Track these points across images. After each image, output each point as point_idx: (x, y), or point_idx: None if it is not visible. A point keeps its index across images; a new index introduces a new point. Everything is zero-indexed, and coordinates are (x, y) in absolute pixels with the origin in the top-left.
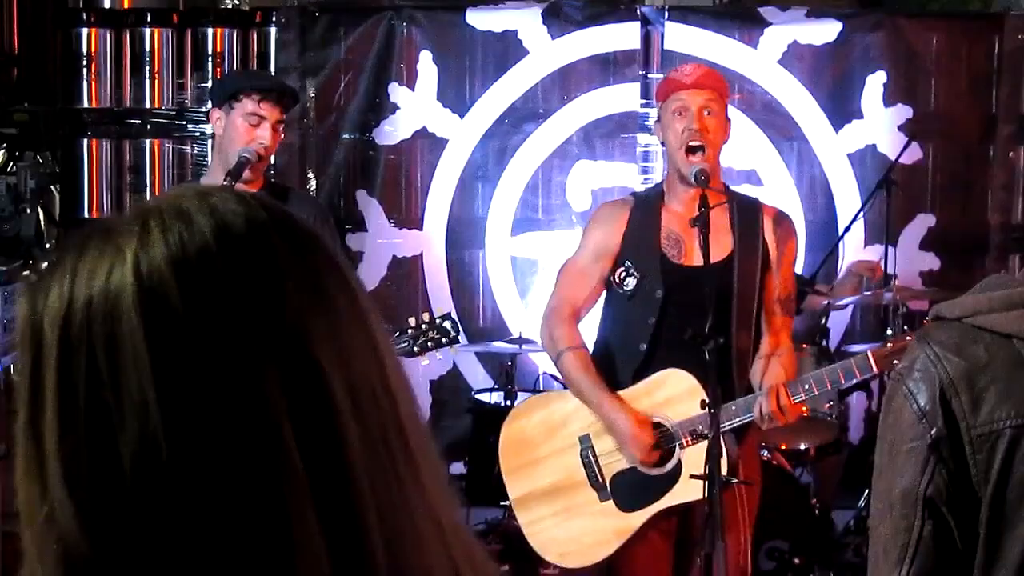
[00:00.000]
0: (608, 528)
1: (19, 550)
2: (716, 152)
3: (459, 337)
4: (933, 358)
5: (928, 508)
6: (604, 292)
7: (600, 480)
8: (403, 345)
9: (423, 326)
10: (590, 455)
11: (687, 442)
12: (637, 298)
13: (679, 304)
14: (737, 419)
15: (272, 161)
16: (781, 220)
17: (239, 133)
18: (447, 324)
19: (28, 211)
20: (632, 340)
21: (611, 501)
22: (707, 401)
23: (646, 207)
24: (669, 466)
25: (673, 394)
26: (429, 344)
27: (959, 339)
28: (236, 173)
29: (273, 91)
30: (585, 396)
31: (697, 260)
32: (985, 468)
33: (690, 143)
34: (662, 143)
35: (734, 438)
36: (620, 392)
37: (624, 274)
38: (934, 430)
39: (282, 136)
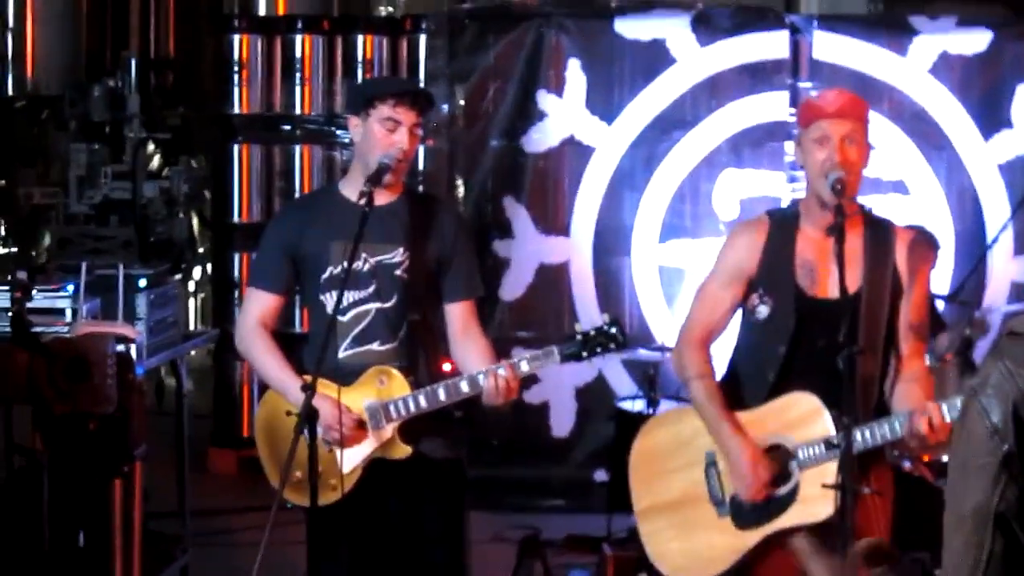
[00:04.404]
0: (723, 544)
1: None
2: (857, 179)
3: (626, 343)
4: (1006, 374)
5: (1000, 525)
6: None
7: (720, 496)
8: (572, 350)
9: (592, 331)
10: (714, 470)
11: (809, 463)
12: (769, 326)
13: (810, 335)
14: (867, 445)
15: (420, 167)
16: (916, 246)
17: (377, 139)
18: (614, 330)
19: (181, 215)
20: (761, 368)
21: (729, 518)
22: (834, 418)
23: (782, 230)
24: (787, 487)
25: (796, 416)
26: (598, 349)
27: None
28: (376, 179)
29: (407, 95)
30: (709, 425)
31: (830, 292)
32: None
33: (831, 176)
34: (801, 166)
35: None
36: (746, 413)
37: (757, 301)
38: (1006, 446)
39: (420, 139)
